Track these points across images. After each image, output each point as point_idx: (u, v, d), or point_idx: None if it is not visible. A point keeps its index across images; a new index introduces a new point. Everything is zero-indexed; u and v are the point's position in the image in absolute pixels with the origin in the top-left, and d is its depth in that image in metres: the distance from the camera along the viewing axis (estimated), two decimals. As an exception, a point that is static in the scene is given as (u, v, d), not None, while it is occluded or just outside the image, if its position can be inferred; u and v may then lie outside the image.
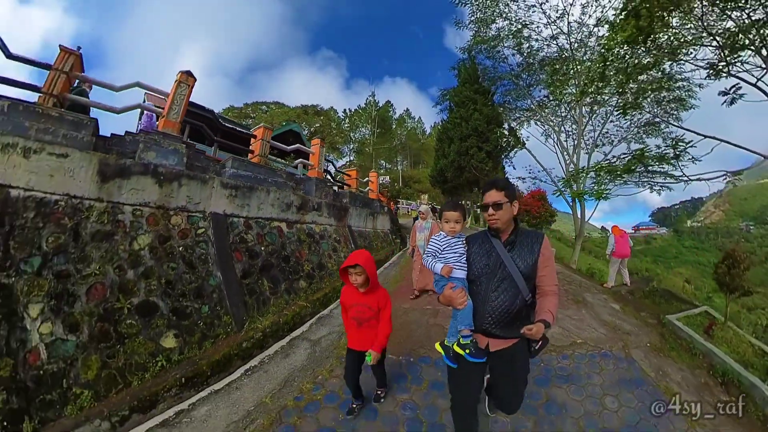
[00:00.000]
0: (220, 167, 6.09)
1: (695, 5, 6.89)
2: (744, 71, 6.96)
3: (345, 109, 59.05)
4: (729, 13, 6.83)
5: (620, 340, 4.33)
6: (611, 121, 16.24)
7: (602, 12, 13.92)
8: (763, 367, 3.52)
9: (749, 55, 6.82)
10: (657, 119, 13.77)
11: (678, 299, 7.40)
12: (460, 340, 2.15)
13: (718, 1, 6.60)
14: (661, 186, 11.25)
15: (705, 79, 9.31)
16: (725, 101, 6.96)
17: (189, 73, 6.05)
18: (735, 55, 6.90)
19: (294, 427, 2.85)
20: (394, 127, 58.73)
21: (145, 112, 6.76)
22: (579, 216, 15.59)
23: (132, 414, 3.62)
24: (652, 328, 4.89)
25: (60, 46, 5.68)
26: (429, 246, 2.36)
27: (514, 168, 22.23)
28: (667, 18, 6.94)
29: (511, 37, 16.96)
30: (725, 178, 8.25)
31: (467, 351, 2.10)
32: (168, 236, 4.97)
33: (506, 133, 20.08)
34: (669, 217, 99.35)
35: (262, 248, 6.15)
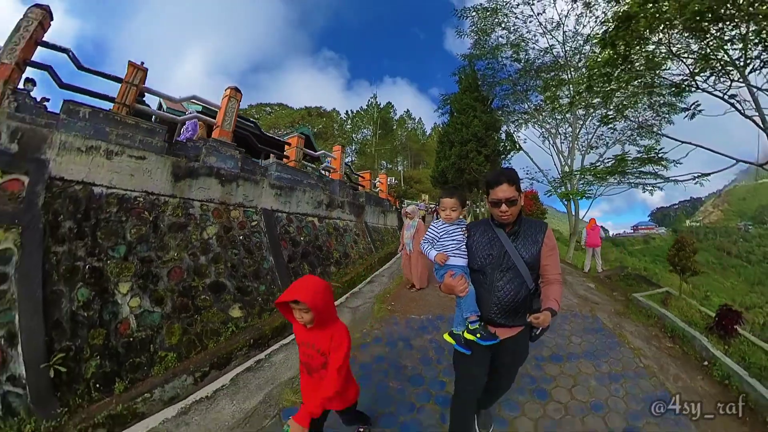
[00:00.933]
0: (264, 170, 7.11)
1: (665, 34, 7.88)
2: (711, 87, 8.02)
3: (347, 111, 60.52)
4: (693, 41, 7.90)
5: (589, 307, 5.43)
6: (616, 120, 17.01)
7: (596, 21, 14.72)
8: (703, 324, 4.61)
9: (714, 73, 7.84)
10: (650, 122, 14.32)
11: (647, 282, 8.53)
12: (469, 326, 2.18)
13: (685, 31, 7.63)
14: (652, 186, 12.24)
15: (670, 96, 10.36)
16: (686, 115, 8.06)
17: (237, 89, 7.06)
18: (702, 74, 7.93)
19: (354, 357, 3.89)
20: (395, 128, 59.97)
21: (188, 120, 7.72)
22: (573, 214, 16.57)
23: (211, 370, 4.44)
24: (619, 302, 5.94)
25: (129, 62, 6.43)
26: (427, 233, 2.36)
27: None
28: (642, 44, 7.97)
29: (509, 47, 18.05)
30: (695, 180, 9.39)
31: (478, 335, 2.13)
32: (230, 227, 5.99)
33: (503, 138, 21.35)
34: (668, 217, 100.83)
35: (301, 238, 7.22)
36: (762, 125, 7.99)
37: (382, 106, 59.74)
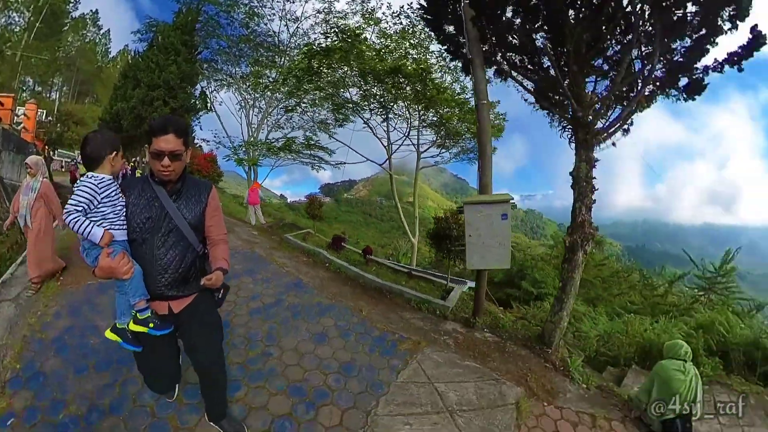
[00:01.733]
0: None
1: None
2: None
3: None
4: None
5: (250, 246, 7.28)
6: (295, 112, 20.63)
7: (325, 36, 16.37)
8: (324, 246, 8.50)
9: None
10: (328, 121, 17.88)
11: (297, 228, 12.27)
12: (137, 315, 1.85)
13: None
14: (318, 166, 18.10)
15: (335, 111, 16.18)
16: (339, 125, 14.14)
17: None
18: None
19: (41, 339, 3.56)
20: (65, 29, 38.32)
21: None
22: (253, 180, 19.51)
23: None
24: (274, 242, 8.41)
25: None
26: (79, 194, 1.69)
27: (201, 129, 23.28)
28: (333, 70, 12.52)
29: (245, 10, 19.14)
30: (337, 165, 15.29)
31: (150, 326, 1.87)
32: None
33: (197, 95, 20.34)
34: (332, 191, 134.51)
35: None
36: (385, 144, 15.32)
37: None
